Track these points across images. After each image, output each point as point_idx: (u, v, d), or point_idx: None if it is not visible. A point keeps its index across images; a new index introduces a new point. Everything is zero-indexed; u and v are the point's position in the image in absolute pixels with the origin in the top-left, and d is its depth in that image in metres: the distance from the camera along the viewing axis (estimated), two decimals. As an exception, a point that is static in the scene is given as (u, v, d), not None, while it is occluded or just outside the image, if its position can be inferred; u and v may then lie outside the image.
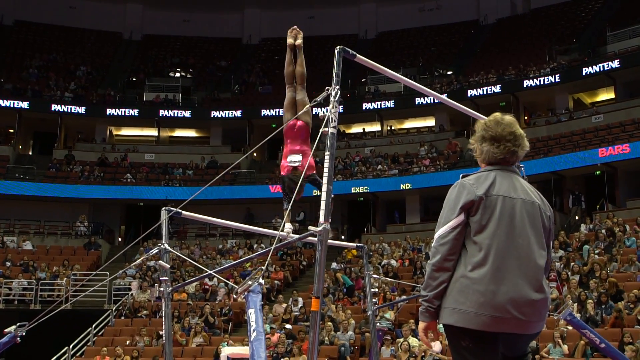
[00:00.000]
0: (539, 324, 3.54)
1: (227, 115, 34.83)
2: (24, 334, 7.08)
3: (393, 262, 22.66)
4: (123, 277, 24.40)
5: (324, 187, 4.42)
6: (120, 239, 32.14)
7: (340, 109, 4.68)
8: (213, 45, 42.04)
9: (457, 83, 33.36)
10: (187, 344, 19.01)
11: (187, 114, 35.30)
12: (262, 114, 34.26)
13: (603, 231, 20.73)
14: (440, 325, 3.58)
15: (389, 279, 17.26)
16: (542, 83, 30.65)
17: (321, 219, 4.40)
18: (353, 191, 29.52)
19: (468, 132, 29.46)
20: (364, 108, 33.81)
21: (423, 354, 15.36)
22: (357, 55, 5.00)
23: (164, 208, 7.25)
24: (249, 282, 5.33)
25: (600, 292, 16.10)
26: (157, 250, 7.23)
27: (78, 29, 40.61)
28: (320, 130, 4.49)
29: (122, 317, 22.13)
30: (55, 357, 19.55)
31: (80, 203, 30.72)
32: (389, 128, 35.48)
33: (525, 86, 31.01)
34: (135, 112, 34.81)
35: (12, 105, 33.18)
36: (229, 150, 34.99)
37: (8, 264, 25.51)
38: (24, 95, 34.30)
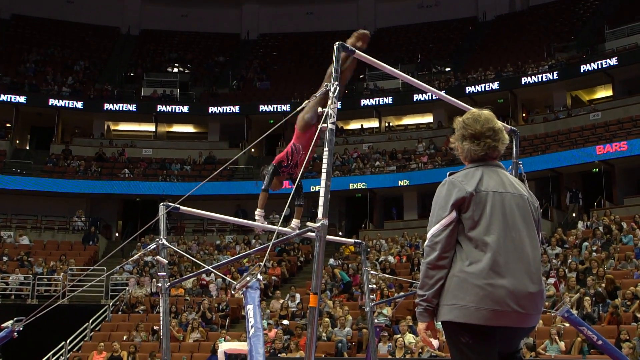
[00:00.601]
0: (537, 316, 3.56)
1: (225, 111, 34.79)
2: (21, 328, 7.06)
3: (390, 258, 22.66)
4: (120, 272, 24.38)
5: (323, 183, 4.41)
6: (117, 234, 32.12)
7: (339, 105, 4.67)
8: (211, 40, 41.97)
9: (455, 80, 33.35)
10: (185, 339, 19.01)
11: (185, 109, 35.25)
12: (260, 110, 34.23)
13: (600, 228, 20.74)
14: (438, 323, 3.58)
15: (387, 275, 17.26)
16: (540, 80, 30.66)
17: (319, 215, 4.39)
18: (351, 187, 29.52)
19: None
20: (362, 104, 33.80)
21: (420, 350, 15.37)
22: (356, 51, 4.99)
23: (162, 203, 7.24)
24: (247, 278, 5.32)
25: (596, 289, 16.11)
26: (155, 246, 7.21)
27: (76, 23, 40.51)
28: (319, 126, 4.47)
29: (119, 313, 22.13)
30: (52, 352, 19.56)
31: (78, 198, 30.68)
32: (387, 124, 35.47)
33: (523, 83, 31.02)
34: (132, 107, 34.79)
35: (9, 100, 33.14)
36: (226, 145, 34.96)
37: (5, 258, 25.48)
38: (21, 89, 34.24)
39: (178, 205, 6.92)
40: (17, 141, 34.81)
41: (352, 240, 10.76)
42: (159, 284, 7.16)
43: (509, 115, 30.02)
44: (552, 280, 16.98)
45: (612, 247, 19.23)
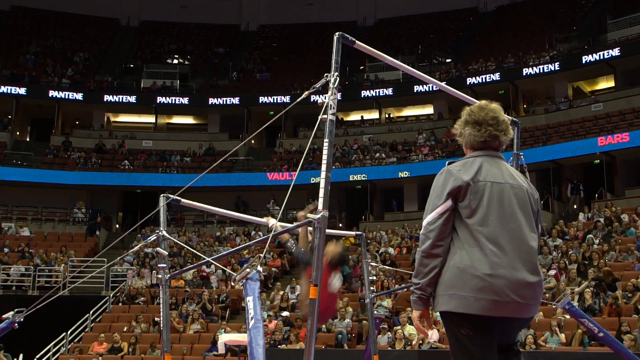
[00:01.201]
0: (536, 307, 3.56)
1: (225, 102, 34.73)
2: (21, 319, 7.05)
3: (391, 250, 22.67)
4: (120, 263, 24.40)
5: (323, 175, 4.38)
6: (117, 226, 32.13)
7: (339, 96, 4.64)
8: (211, 31, 41.88)
9: (456, 71, 33.28)
10: (185, 330, 19.03)
11: (185, 100, 35.20)
12: (260, 101, 34.18)
13: (601, 220, 20.72)
14: (437, 313, 3.57)
15: (387, 267, 17.28)
16: (541, 71, 30.56)
17: (320, 206, 4.36)
18: (351, 179, 29.49)
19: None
20: (362, 96, 33.75)
21: (420, 342, 15.38)
22: (357, 41, 4.95)
23: (162, 195, 7.22)
24: (247, 270, 5.30)
25: (596, 275, 16.11)
26: (155, 237, 7.20)
27: (75, 14, 40.43)
28: (319, 117, 4.45)
29: (120, 304, 22.16)
30: (53, 343, 19.59)
31: (78, 190, 30.67)
32: (387, 116, 35.41)
33: (524, 74, 30.91)
34: (132, 99, 34.75)
35: (9, 92, 33.10)
36: (226, 137, 34.92)
37: (6, 250, 25.50)
38: (21, 81, 34.20)
39: (178, 197, 6.90)
40: (18, 133, 34.78)
41: (353, 232, 10.76)
42: (159, 276, 7.15)
43: (510, 107, 29.96)
44: (552, 272, 16.99)
45: (613, 239, 19.22)
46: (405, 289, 17.51)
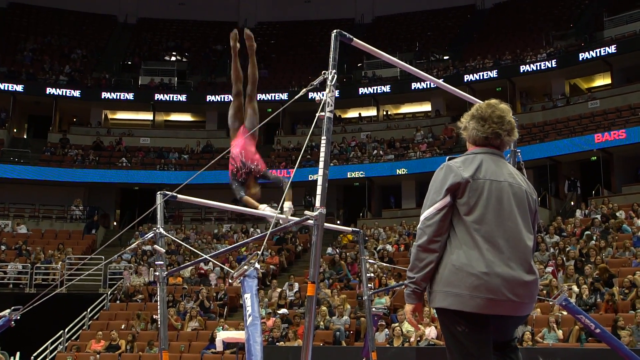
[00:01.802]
0: (531, 305, 3.58)
1: (222, 100, 34.64)
2: (18, 317, 7.06)
3: (388, 247, 22.69)
4: (118, 261, 24.39)
5: (320, 172, 4.39)
6: (115, 223, 32.11)
7: (337, 93, 4.65)
8: (209, 29, 41.82)
9: (453, 68, 33.28)
10: (183, 328, 19.04)
11: (183, 98, 35.19)
12: (258, 98, 33.95)
13: (598, 217, 20.74)
14: (433, 310, 3.59)
15: (385, 264, 17.28)
16: (538, 68, 30.61)
17: (317, 203, 4.37)
18: (349, 176, 29.50)
19: (464, 118, 29.44)
20: (360, 93, 33.76)
21: (419, 339, 15.40)
22: (354, 39, 4.96)
23: (159, 192, 7.23)
24: (245, 267, 5.31)
25: (594, 278, 16.13)
26: (153, 235, 7.21)
27: (73, 11, 40.37)
28: (317, 114, 4.45)
29: (118, 301, 22.15)
30: (50, 341, 19.58)
31: (75, 187, 30.64)
32: (385, 113, 35.42)
33: (521, 71, 30.95)
34: (130, 96, 34.70)
35: (6, 89, 33.06)
36: (224, 134, 34.82)
37: (3, 247, 25.48)
38: (19, 78, 34.14)
39: (176, 194, 6.92)
40: (15, 130, 34.73)
41: (351, 229, 10.77)
42: (157, 273, 7.16)
43: (508, 104, 29.93)
44: (550, 269, 17.01)
45: (610, 235, 19.24)
46: (403, 286, 17.55)
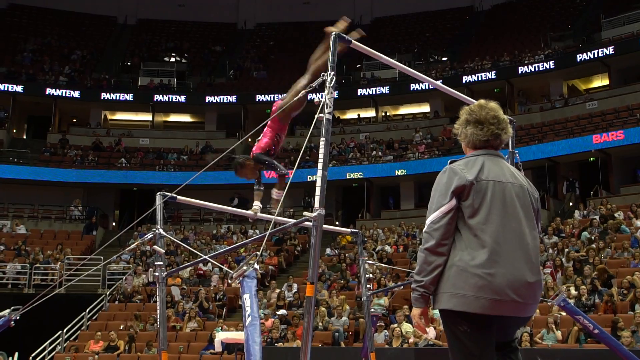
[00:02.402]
0: (534, 306, 3.59)
1: (222, 101, 34.75)
2: (17, 318, 7.07)
3: (387, 247, 22.71)
4: (117, 261, 24.39)
5: (319, 173, 4.41)
6: (114, 224, 32.12)
7: (335, 94, 4.67)
8: (208, 30, 41.87)
9: (451, 69, 33.32)
10: (182, 328, 19.04)
11: (182, 98, 35.21)
12: (257, 100, 34.19)
13: (597, 218, 20.76)
14: (435, 311, 3.60)
15: (384, 265, 17.30)
16: (536, 69, 30.65)
17: (316, 204, 4.39)
18: (348, 177, 29.53)
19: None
20: (359, 94, 33.79)
21: (417, 339, 15.40)
22: (353, 41, 4.99)
23: (158, 193, 7.25)
24: (244, 268, 5.34)
25: (593, 278, 16.15)
26: (152, 235, 7.22)
27: (72, 12, 40.41)
28: (316, 116, 4.47)
29: (116, 302, 22.15)
30: (48, 342, 19.57)
31: (75, 187, 30.64)
32: (383, 114, 35.44)
33: (519, 72, 30.99)
34: (129, 97, 34.72)
35: (6, 89, 33.09)
36: (223, 135, 34.93)
37: (2, 247, 25.47)
38: (18, 79, 34.16)
39: (175, 195, 6.93)
40: (14, 130, 34.74)
41: (349, 230, 10.78)
42: (156, 274, 7.18)
43: (506, 105, 30.00)
44: (548, 270, 17.02)
45: (608, 236, 19.26)
46: (402, 287, 17.58)
